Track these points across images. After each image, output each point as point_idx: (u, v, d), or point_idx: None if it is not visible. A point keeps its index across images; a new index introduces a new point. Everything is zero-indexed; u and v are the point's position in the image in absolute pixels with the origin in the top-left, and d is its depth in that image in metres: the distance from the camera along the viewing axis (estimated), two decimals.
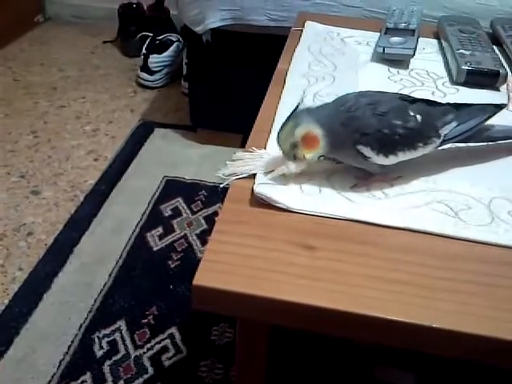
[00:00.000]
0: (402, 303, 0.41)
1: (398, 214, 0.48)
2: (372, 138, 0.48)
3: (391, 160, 0.50)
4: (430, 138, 0.51)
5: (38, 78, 1.71)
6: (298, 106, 0.49)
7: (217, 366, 0.86)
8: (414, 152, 0.51)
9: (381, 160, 0.49)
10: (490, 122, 0.55)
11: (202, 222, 1.15)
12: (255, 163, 0.52)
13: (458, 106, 0.54)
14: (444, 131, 0.52)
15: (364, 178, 0.51)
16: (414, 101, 0.52)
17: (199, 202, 1.20)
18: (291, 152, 0.48)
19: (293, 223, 0.47)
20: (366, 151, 0.49)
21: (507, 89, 0.72)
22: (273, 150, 0.53)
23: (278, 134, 0.49)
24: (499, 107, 0.56)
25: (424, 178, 0.53)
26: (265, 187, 0.49)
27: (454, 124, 0.52)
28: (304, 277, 0.43)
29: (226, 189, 0.51)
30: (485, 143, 0.58)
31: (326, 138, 0.48)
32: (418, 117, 0.50)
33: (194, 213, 1.17)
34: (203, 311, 0.44)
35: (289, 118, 0.48)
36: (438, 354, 0.45)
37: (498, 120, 0.56)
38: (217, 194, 1.20)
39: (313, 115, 0.48)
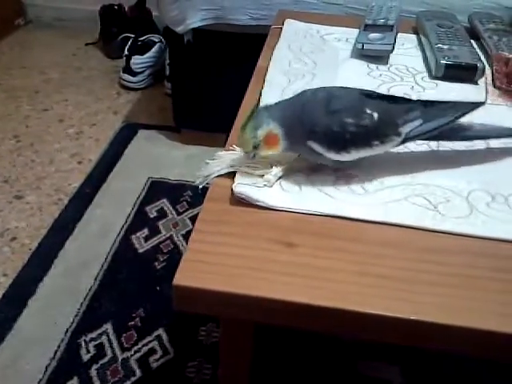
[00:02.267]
0: (383, 297, 0.41)
1: (377, 209, 0.48)
2: (322, 135, 0.48)
3: (344, 157, 0.50)
4: (387, 136, 0.50)
5: (20, 82, 1.69)
6: (257, 106, 0.49)
7: (205, 366, 0.85)
8: (370, 150, 0.50)
9: (333, 156, 0.49)
10: (467, 119, 0.54)
11: (188, 222, 1.15)
12: (234, 161, 0.52)
13: (426, 104, 0.53)
14: (405, 129, 0.51)
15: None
16: (379, 97, 0.52)
17: (184, 202, 1.20)
18: (253, 152, 0.49)
19: (273, 221, 0.47)
20: (316, 147, 0.49)
21: (485, 82, 0.72)
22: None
23: (240, 135, 0.49)
24: (476, 105, 0.54)
25: (402, 172, 0.53)
26: (244, 187, 0.49)
27: (417, 122, 0.51)
28: (285, 274, 0.43)
29: (207, 188, 0.51)
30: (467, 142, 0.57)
31: (285, 136, 0.48)
32: (375, 114, 0.49)
33: (179, 214, 1.17)
34: (185, 312, 0.44)
35: (249, 118, 0.48)
36: (421, 347, 0.45)
37: (474, 113, 0.56)
38: (202, 194, 1.19)
39: (272, 114, 0.48)
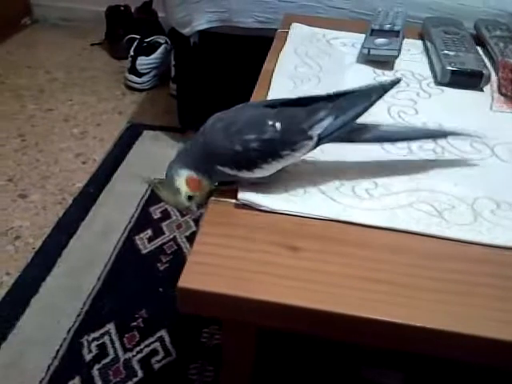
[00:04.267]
0: (387, 303, 0.41)
1: (381, 214, 0.48)
2: (227, 158, 0.48)
3: (259, 173, 0.48)
4: (296, 143, 0.48)
5: (25, 81, 1.70)
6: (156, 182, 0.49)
7: (207, 369, 0.86)
8: (283, 160, 0.48)
9: (247, 175, 0.48)
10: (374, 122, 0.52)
11: (191, 224, 1.15)
12: None
13: (334, 98, 0.50)
14: (316, 131, 0.49)
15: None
16: (283, 105, 0.50)
17: None
18: (192, 202, 0.49)
19: (277, 224, 0.48)
20: (227, 170, 0.48)
21: (491, 89, 0.73)
22: None
23: (171, 202, 0.49)
24: (390, 85, 0.52)
25: (408, 178, 0.53)
26: (248, 192, 0.49)
27: (328, 120, 0.49)
28: (289, 278, 0.43)
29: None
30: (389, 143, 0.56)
31: (200, 172, 0.48)
32: (277, 125, 0.48)
33: (183, 215, 1.17)
34: (189, 314, 0.44)
35: (163, 185, 0.48)
36: (424, 354, 0.45)
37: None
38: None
39: (176, 165, 0.48)
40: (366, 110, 0.50)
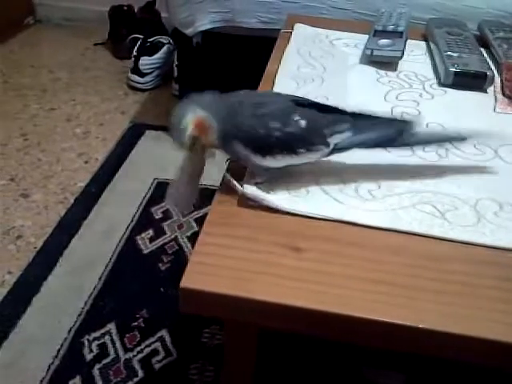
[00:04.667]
0: (390, 304, 0.41)
1: (385, 215, 0.48)
2: (246, 136, 0.48)
3: (270, 162, 0.49)
4: (314, 145, 0.49)
5: (28, 81, 1.70)
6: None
7: (207, 369, 0.85)
8: (297, 157, 0.49)
9: (259, 160, 0.49)
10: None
11: (193, 224, 1.15)
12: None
13: (358, 116, 0.52)
14: (334, 140, 0.50)
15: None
16: (311, 105, 0.51)
17: None
18: (192, 143, 0.48)
19: (280, 225, 0.47)
20: (240, 148, 0.48)
21: (494, 91, 0.72)
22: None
23: (171, 132, 0.48)
24: (410, 125, 0.52)
25: (411, 179, 0.53)
26: (253, 188, 0.49)
27: (347, 134, 0.50)
28: (291, 278, 0.43)
29: (214, 190, 0.51)
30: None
31: (215, 123, 0.47)
32: (303, 122, 0.49)
33: (184, 215, 1.17)
34: (191, 314, 0.44)
35: (175, 113, 0.47)
36: (426, 355, 0.45)
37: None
38: (207, 196, 1.20)
39: (198, 103, 0.47)
40: (385, 138, 0.52)
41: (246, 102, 0.49)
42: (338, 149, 0.51)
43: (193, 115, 0.47)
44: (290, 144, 0.49)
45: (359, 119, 0.52)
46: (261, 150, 0.48)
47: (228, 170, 0.52)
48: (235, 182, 0.50)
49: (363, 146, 0.51)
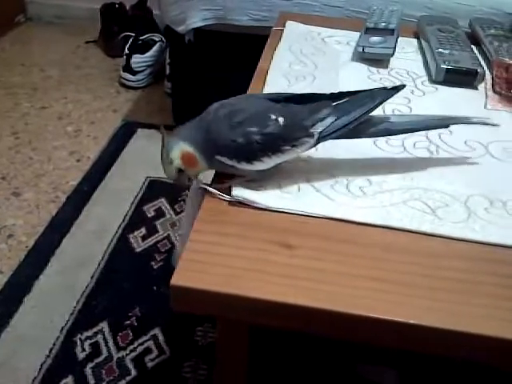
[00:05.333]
0: (382, 301, 0.41)
1: (375, 212, 0.48)
2: (227, 149, 0.48)
3: (258, 166, 0.49)
4: (297, 139, 0.49)
5: (19, 79, 1.69)
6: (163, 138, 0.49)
7: (201, 367, 0.85)
8: (283, 155, 0.49)
9: (246, 167, 0.48)
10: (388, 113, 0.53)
11: None
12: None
13: (337, 98, 0.51)
14: (317, 129, 0.49)
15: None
16: (286, 100, 0.50)
17: (182, 202, 1.20)
18: (180, 175, 0.49)
19: (272, 222, 0.47)
20: (225, 160, 0.48)
21: (485, 88, 0.73)
22: None
23: (163, 167, 0.49)
24: (395, 90, 0.53)
25: (401, 175, 0.53)
26: (242, 189, 0.49)
27: (330, 119, 0.49)
28: (283, 276, 0.43)
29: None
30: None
31: (200, 153, 0.48)
32: (281, 119, 0.48)
33: (177, 213, 1.17)
34: (183, 312, 0.44)
35: (162, 149, 0.49)
36: (419, 351, 0.45)
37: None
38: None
39: (181, 136, 0.49)
40: (368, 113, 0.51)
41: (220, 114, 0.49)
42: (324, 136, 0.50)
43: (178, 150, 0.48)
44: (272, 144, 0.48)
45: (339, 100, 0.51)
46: (245, 158, 0.48)
47: (213, 180, 0.52)
48: (221, 193, 0.49)
49: (346, 129, 0.50)
